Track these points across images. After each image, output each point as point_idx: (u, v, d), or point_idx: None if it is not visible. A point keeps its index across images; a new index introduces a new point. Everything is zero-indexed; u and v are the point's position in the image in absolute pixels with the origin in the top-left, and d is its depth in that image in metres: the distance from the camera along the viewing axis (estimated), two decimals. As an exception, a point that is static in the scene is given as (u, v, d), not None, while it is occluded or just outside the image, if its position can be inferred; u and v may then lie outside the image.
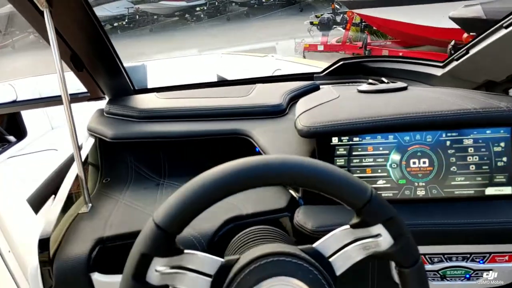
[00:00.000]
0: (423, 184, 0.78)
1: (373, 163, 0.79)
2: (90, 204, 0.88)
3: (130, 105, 1.13)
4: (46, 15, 0.82)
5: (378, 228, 0.51)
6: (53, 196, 2.20)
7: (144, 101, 1.16)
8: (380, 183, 0.79)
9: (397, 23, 8.20)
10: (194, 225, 0.74)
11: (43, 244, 0.71)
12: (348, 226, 0.54)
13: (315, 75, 1.29)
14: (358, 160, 0.79)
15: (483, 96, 0.79)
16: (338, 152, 0.79)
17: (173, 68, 2.95)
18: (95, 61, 1.08)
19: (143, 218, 0.81)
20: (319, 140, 0.79)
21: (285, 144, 0.87)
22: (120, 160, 1.08)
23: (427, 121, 0.74)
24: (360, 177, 0.79)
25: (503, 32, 0.79)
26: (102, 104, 1.20)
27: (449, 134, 0.76)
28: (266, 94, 1.11)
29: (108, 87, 1.21)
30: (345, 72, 1.23)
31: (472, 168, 0.76)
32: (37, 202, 2.07)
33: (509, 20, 0.77)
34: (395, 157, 0.78)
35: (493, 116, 0.71)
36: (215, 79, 3.22)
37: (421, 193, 0.78)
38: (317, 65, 2.03)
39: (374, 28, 9.22)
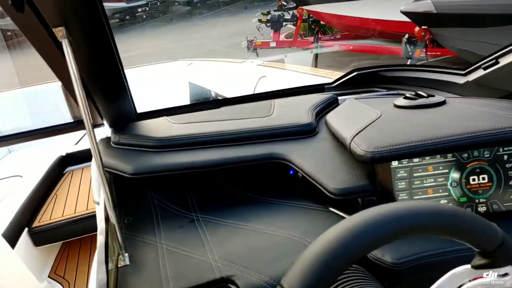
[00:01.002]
0: (484, 200, 0.77)
1: (434, 183, 0.77)
2: (127, 254, 0.79)
3: (142, 134, 1.03)
4: (65, 46, 0.71)
5: (506, 269, 0.49)
6: (27, 228, 2.01)
7: (157, 128, 1.07)
8: (443, 202, 0.77)
9: (345, 17, 8.43)
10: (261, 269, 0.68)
11: None
12: (469, 266, 0.51)
13: (325, 86, 1.26)
14: (419, 182, 0.77)
15: None
16: (398, 175, 0.77)
17: (141, 76, 2.81)
18: (102, 86, 0.97)
19: (200, 265, 0.73)
20: (380, 164, 0.76)
21: (336, 169, 0.83)
22: (141, 197, 0.98)
23: (488, 139, 0.73)
24: (422, 199, 0.77)
25: (544, 43, 0.80)
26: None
27: (505, 148, 0.76)
28: (289, 112, 1.06)
29: (109, 113, 1.10)
30: (358, 83, 1.21)
31: (530, 180, 0.77)
32: (12, 236, 1.89)
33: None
34: (455, 175, 0.77)
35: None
36: (186, 86, 3.12)
37: (482, 209, 0.78)
38: (301, 70, 2.02)
39: (322, 22, 9.43)
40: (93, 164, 1.13)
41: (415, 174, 0.77)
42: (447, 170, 0.77)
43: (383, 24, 7.27)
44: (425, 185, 0.77)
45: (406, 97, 0.93)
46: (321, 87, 1.26)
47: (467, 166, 0.77)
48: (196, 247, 0.79)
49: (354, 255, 0.42)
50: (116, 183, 0.99)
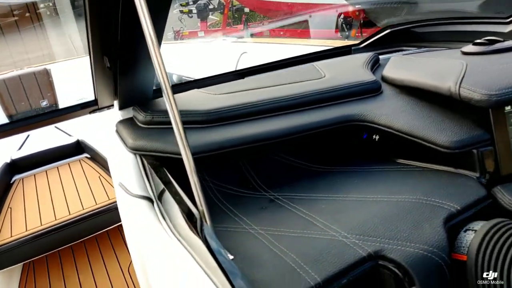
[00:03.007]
0: None
1: (546, 127, 0.72)
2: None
3: (182, 108, 0.85)
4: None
5: None
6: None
7: (193, 101, 0.89)
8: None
9: (269, 3, 8.48)
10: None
11: None
12: None
13: (352, 47, 1.17)
14: (531, 126, 0.71)
15: None
16: (511, 120, 0.70)
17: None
18: (133, 54, 0.77)
19: (332, 245, 0.59)
20: (495, 109, 0.69)
21: (437, 122, 0.74)
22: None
23: None
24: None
25: None
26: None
27: None
28: (341, 72, 0.95)
29: (128, 91, 0.90)
30: (390, 42, 1.14)
31: None
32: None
33: None
34: None
35: None
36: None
37: None
38: (279, 42, 1.90)
39: (247, 10, 9.42)
40: (111, 150, 0.92)
41: (527, 118, 0.71)
42: (557, 111, 0.72)
43: (309, 7, 7.43)
44: (537, 129, 0.72)
45: (475, 43, 0.87)
46: (347, 48, 1.16)
47: None
48: (306, 227, 0.65)
49: None
50: (156, 170, 0.81)
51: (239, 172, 0.85)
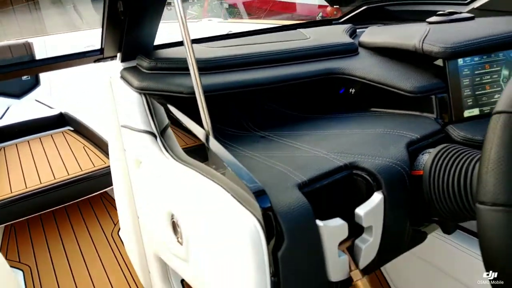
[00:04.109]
0: (527, 93, 0.90)
1: (489, 80, 0.87)
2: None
3: (181, 57, 0.95)
4: None
5: None
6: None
7: (196, 52, 0.99)
8: (497, 97, 0.88)
9: (251, 1, 8.58)
10: None
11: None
12: None
13: (333, 21, 1.30)
14: (479, 79, 0.86)
15: None
16: (463, 73, 0.85)
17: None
18: (143, 11, 0.87)
19: (315, 159, 0.70)
20: (451, 60, 0.83)
21: (403, 73, 0.88)
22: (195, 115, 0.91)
23: None
24: (482, 94, 0.87)
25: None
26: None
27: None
28: (323, 36, 1.08)
29: (131, 43, 0.99)
30: (367, 18, 1.28)
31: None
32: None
33: None
34: (505, 72, 0.88)
35: None
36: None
37: (525, 101, 0.90)
38: (261, 22, 2.01)
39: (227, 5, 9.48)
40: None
41: (476, 72, 0.86)
42: (499, 68, 0.87)
43: (290, 6, 7.59)
44: (483, 81, 0.86)
45: (438, 14, 1.02)
46: (328, 22, 1.30)
47: (514, 63, 0.88)
48: (293, 151, 0.77)
49: None
50: (160, 107, 0.90)
51: (234, 117, 0.96)
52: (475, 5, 1.14)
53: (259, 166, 0.72)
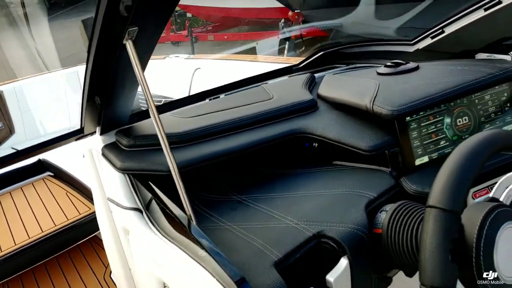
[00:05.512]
0: (468, 136, 1.01)
1: (435, 129, 0.98)
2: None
3: (155, 133, 1.03)
4: (129, 47, 0.71)
5: None
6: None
7: (166, 126, 1.07)
8: (442, 143, 0.99)
9: (213, 8, 8.63)
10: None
11: None
12: None
13: (293, 67, 1.40)
14: (425, 130, 0.97)
15: (482, 62, 1.07)
16: (411, 127, 0.96)
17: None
18: (119, 89, 0.94)
19: (287, 231, 0.79)
20: (399, 119, 0.94)
21: (358, 131, 0.98)
22: (174, 195, 0.99)
23: (469, 89, 0.97)
24: (429, 142, 0.98)
25: (482, 13, 1.07)
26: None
27: (475, 94, 1.01)
28: (285, 93, 1.17)
29: (108, 120, 1.06)
30: (324, 61, 1.38)
31: (493, 115, 1.03)
32: None
33: (489, 4, 1.04)
34: (447, 120, 0.99)
35: (511, 76, 0.98)
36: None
37: (467, 143, 1.01)
38: (228, 58, 2.09)
39: (189, 15, 9.50)
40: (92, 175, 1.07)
41: (422, 124, 0.97)
42: (442, 117, 0.98)
43: (253, 12, 7.68)
44: (429, 131, 0.97)
45: (386, 66, 1.13)
46: (289, 69, 1.39)
47: (454, 111, 0.99)
48: (268, 220, 0.86)
49: (477, 164, 0.58)
50: (153, 184, 0.98)
51: (211, 181, 1.04)
52: (420, 46, 1.26)
53: (238, 242, 0.80)
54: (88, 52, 0.74)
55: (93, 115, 1.01)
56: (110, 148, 1.04)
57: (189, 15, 9.48)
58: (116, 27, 0.67)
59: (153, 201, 0.99)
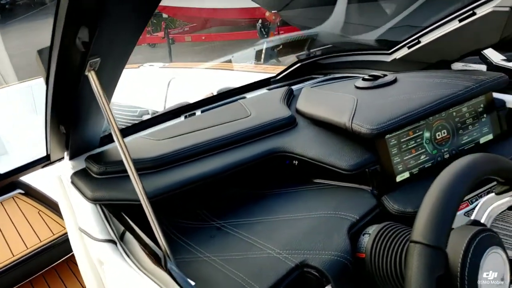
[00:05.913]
0: (447, 149, 1.00)
1: (415, 144, 0.97)
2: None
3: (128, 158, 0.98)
4: (92, 78, 0.66)
5: None
6: None
7: (141, 148, 1.02)
8: (423, 157, 0.98)
9: (189, 9, 8.52)
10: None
11: None
12: (493, 194, 0.70)
13: (271, 80, 1.37)
14: (405, 145, 0.96)
15: (458, 74, 1.06)
16: (391, 143, 0.94)
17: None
18: (85, 117, 0.89)
19: (269, 261, 0.76)
20: (378, 137, 0.92)
21: (338, 149, 0.96)
22: (146, 224, 0.94)
23: (447, 103, 0.96)
24: (409, 158, 0.96)
25: (457, 24, 1.06)
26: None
27: (455, 108, 1.00)
28: (263, 109, 1.14)
29: (76, 145, 1.00)
30: (301, 72, 1.35)
31: (471, 127, 1.03)
32: None
33: (463, 15, 1.04)
34: (427, 134, 0.98)
35: (487, 88, 0.98)
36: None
37: (446, 156, 1.01)
38: (206, 66, 2.04)
39: (165, 16, 9.37)
40: (66, 203, 1.01)
41: (401, 140, 0.95)
42: (421, 132, 0.97)
43: (230, 12, 7.63)
44: (409, 147, 0.96)
45: (364, 79, 1.11)
46: (266, 81, 1.36)
47: (433, 125, 0.98)
48: (248, 249, 0.82)
49: (459, 196, 0.56)
50: (116, 215, 0.93)
51: (188, 205, 1.00)
52: (397, 56, 1.25)
53: (217, 276, 0.76)
54: (47, 83, 0.68)
55: (59, 142, 0.95)
56: (80, 176, 0.98)
57: (165, 15, 9.35)
58: (75, 59, 0.62)
59: (128, 233, 0.94)
